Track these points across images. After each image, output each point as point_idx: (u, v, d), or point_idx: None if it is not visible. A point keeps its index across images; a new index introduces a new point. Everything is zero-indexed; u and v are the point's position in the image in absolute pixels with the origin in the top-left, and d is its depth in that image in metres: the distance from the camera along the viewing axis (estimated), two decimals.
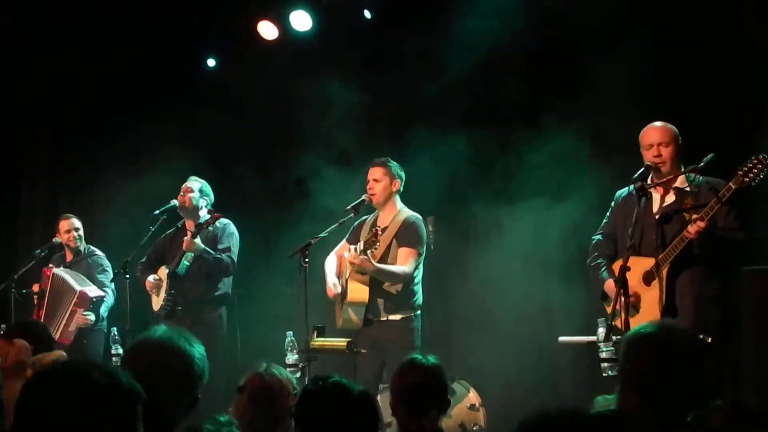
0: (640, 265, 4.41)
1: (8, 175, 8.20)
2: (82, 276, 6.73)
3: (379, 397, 4.68)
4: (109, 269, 6.77)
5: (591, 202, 5.35)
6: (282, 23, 6.88)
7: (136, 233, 6.42)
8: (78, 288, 6.56)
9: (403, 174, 5.46)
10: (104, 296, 6.65)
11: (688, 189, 4.46)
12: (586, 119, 5.59)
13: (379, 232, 5.00)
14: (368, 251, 5.05)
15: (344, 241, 5.59)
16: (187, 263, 5.88)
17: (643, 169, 4.45)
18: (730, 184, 4.16)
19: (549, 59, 5.96)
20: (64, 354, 3.87)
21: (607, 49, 5.49)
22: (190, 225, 6.07)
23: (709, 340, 3.95)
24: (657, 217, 4.50)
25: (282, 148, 7.20)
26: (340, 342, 5.04)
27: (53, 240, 6.97)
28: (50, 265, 6.92)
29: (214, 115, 7.10)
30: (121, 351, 5.67)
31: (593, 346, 4.32)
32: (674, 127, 4.54)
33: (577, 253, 5.24)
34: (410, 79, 6.40)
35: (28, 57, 7.68)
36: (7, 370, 3.36)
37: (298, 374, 4.89)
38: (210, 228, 5.94)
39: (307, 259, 5.17)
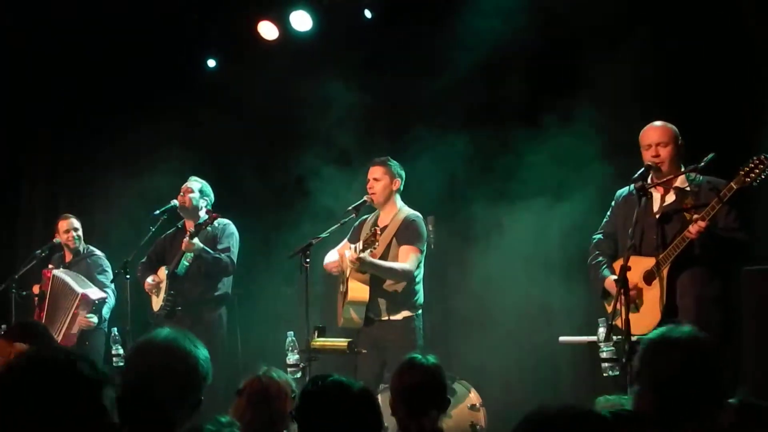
0: (640, 264, 4.41)
1: (8, 175, 8.21)
2: (83, 277, 6.73)
3: (379, 398, 4.68)
4: (109, 269, 6.76)
5: (591, 202, 5.35)
6: (282, 23, 6.88)
7: (136, 233, 6.42)
8: (80, 290, 6.55)
9: (403, 173, 5.46)
10: (106, 297, 6.64)
11: (688, 189, 4.46)
12: (586, 119, 5.58)
13: (378, 232, 5.00)
14: (367, 250, 5.06)
15: (346, 240, 5.60)
16: (187, 263, 5.88)
17: (643, 168, 4.44)
18: (732, 184, 4.15)
19: (549, 59, 5.96)
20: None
21: (608, 49, 5.49)
22: (190, 225, 6.07)
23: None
24: (657, 216, 4.49)
25: (282, 148, 7.20)
26: (341, 342, 5.05)
27: (53, 240, 6.97)
28: (50, 266, 6.91)
29: (215, 115, 7.10)
30: (121, 351, 5.68)
31: (594, 346, 4.32)
32: (674, 127, 4.53)
33: (577, 253, 5.23)
34: (410, 79, 6.40)
35: (28, 57, 7.68)
36: None
37: (299, 374, 4.90)
38: (209, 228, 5.94)
39: (308, 260, 5.17)
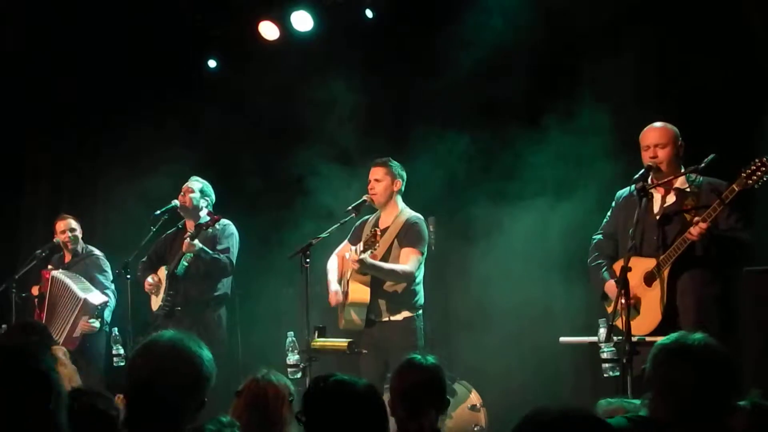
0: (641, 265, 4.40)
1: (9, 175, 8.20)
2: (82, 278, 6.71)
3: None
4: (109, 270, 6.75)
5: (591, 202, 5.34)
6: (283, 23, 6.88)
7: (136, 233, 6.41)
8: (82, 296, 6.52)
9: (404, 174, 5.46)
10: (107, 301, 6.63)
11: (688, 190, 4.45)
12: (586, 119, 5.58)
13: (378, 233, 5.00)
14: (367, 252, 5.05)
15: (346, 241, 5.59)
16: (186, 264, 5.88)
17: (644, 169, 4.44)
18: (734, 186, 4.13)
19: (550, 59, 5.95)
20: None
21: (608, 49, 5.49)
22: (190, 225, 6.07)
23: None
24: (658, 217, 4.49)
25: (283, 148, 7.19)
26: (341, 342, 5.04)
27: (53, 240, 6.96)
28: (49, 267, 6.90)
29: (216, 115, 7.11)
30: (122, 351, 5.68)
31: (594, 347, 4.31)
32: (674, 128, 4.52)
33: (577, 253, 5.23)
34: (410, 79, 6.40)
35: (28, 57, 7.67)
36: None
37: (299, 375, 4.90)
38: (209, 229, 5.93)
39: (308, 260, 5.16)
